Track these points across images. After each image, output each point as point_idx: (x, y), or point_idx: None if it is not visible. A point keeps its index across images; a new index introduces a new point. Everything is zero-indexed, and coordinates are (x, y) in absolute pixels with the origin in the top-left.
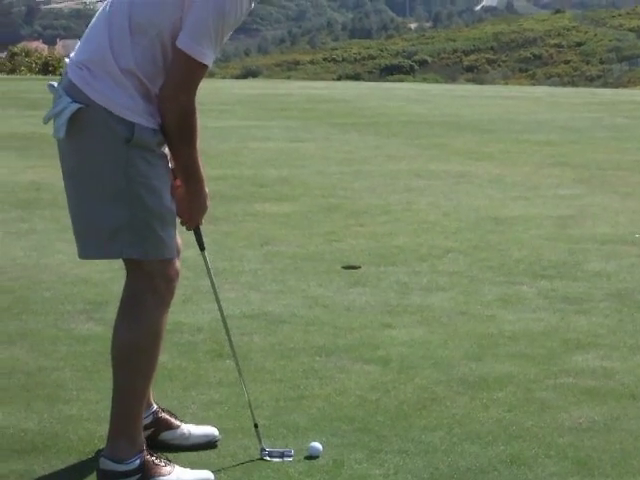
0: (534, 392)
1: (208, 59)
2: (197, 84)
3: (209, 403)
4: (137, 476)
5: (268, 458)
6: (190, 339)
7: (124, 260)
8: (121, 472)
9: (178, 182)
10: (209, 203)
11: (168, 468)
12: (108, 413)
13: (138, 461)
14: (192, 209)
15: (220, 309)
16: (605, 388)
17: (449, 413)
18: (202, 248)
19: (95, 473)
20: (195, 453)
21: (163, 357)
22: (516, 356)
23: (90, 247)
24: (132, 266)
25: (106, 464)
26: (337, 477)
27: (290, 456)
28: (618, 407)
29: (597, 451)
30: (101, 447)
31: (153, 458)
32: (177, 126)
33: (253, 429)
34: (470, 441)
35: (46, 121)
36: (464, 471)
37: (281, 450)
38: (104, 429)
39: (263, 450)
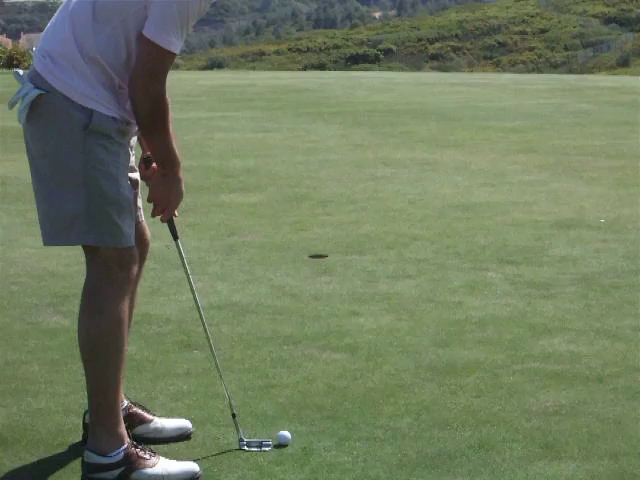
0: (501, 377)
1: (175, 47)
2: (166, 72)
3: (177, 394)
4: (121, 469)
5: (246, 448)
6: (158, 330)
7: (84, 249)
8: (105, 465)
9: (153, 168)
10: (184, 189)
11: (153, 460)
12: (77, 406)
13: (122, 453)
14: (171, 194)
15: (195, 298)
16: (572, 372)
17: (417, 400)
18: (175, 237)
19: (65, 465)
20: (164, 444)
21: (131, 349)
22: (483, 342)
23: (51, 234)
24: (90, 255)
25: (90, 457)
26: (306, 465)
27: (269, 446)
28: (585, 391)
29: (564, 435)
30: (71, 440)
31: (138, 450)
32: (149, 114)
33: (230, 419)
34: (438, 427)
35: (10, 106)
36: (433, 457)
37: (259, 440)
38: (73, 421)
39: (241, 440)
